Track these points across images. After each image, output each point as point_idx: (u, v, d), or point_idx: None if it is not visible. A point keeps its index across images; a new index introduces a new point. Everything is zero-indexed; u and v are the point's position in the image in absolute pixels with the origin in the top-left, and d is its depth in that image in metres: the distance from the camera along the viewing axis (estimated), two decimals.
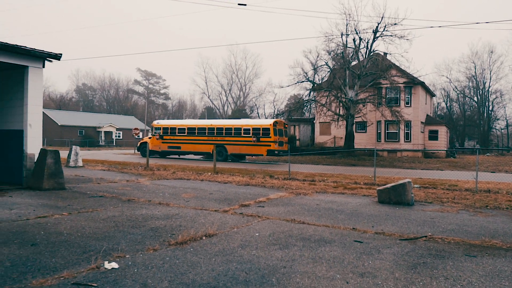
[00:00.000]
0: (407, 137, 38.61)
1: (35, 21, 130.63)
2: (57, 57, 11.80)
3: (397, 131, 38.54)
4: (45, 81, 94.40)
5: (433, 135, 41.36)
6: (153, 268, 4.60)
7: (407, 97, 38.59)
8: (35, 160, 11.36)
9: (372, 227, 7.24)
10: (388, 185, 10.45)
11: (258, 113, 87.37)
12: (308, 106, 41.45)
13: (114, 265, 4.61)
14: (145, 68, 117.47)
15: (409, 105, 38.57)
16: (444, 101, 76.14)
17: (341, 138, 39.36)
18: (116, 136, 72.39)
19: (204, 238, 6.10)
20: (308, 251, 5.49)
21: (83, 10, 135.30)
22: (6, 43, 10.64)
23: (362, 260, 5.15)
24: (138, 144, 34.24)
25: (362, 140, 39.79)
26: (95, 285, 4.02)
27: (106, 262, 4.68)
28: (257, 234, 6.49)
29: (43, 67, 11.78)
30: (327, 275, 4.52)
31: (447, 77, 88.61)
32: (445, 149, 41.26)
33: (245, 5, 21.31)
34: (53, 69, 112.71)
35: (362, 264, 4.98)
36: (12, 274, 4.29)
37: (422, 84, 39.78)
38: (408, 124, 38.10)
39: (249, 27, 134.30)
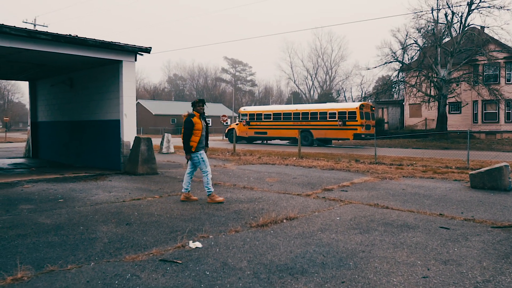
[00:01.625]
0: (508, 117, 35.54)
1: (128, 17, 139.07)
2: (147, 50, 12.53)
3: (497, 111, 35.61)
4: (140, 73, 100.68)
5: None
6: (233, 248, 4.81)
7: (508, 73, 35.41)
8: (131, 148, 12.24)
9: (461, 213, 6.87)
10: (482, 169, 9.79)
11: (345, 96, 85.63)
12: (397, 87, 39.93)
13: (198, 244, 4.89)
14: (231, 56, 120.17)
15: (510, 82, 35.40)
16: None
17: (433, 120, 37.33)
18: None
19: (284, 221, 6.22)
20: (389, 236, 5.38)
21: (170, 6, 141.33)
22: (103, 40, 11.52)
23: (446, 247, 4.94)
24: (226, 131, 35.29)
25: (456, 122, 37.39)
26: (180, 262, 4.31)
27: (190, 242, 4.98)
28: (338, 218, 6.47)
29: (135, 60, 12.59)
30: (407, 261, 4.41)
31: None
32: None
33: None
34: (146, 62, 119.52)
35: (446, 251, 4.78)
36: (109, 249, 4.74)
37: None
38: (509, 103, 35.03)
39: (334, 10, 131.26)
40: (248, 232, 5.54)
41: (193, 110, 7.80)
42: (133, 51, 12.35)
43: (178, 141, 36.85)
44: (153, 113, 68.23)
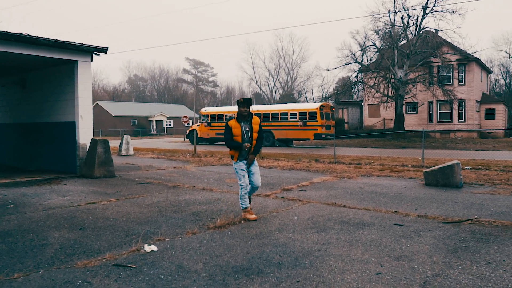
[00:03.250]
0: (461, 117, 36.99)
1: (85, 17, 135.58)
2: (104, 50, 12.23)
3: (450, 111, 36.99)
4: (99, 74, 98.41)
5: (490, 114, 39.38)
6: (190, 250, 4.75)
7: (460, 75, 36.86)
8: (87, 150, 11.91)
9: (415, 210, 7.07)
10: (435, 167, 10.12)
11: (306, 97, 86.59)
12: (356, 88, 40.65)
13: (154, 247, 4.80)
14: (193, 57, 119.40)
15: (463, 83, 36.84)
16: (502, 77, 72.05)
17: (391, 120, 38.35)
18: (167, 124, 74.31)
19: (242, 222, 6.20)
20: (345, 235, 5.46)
21: (129, 4, 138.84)
22: (57, 39, 11.16)
23: (400, 243, 5.06)
24: (187, 132, 34.97)
25: (412, 122, 38.56)
26: (134, 266, 4.21)
27: (146, 245, 4.88)
28: (295, 217, 6.52)
29: (91, 60, 12.26)
30: (361, 258, 4.48)
31: (506, 52, 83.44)
32: (504, 128, 39.23)
33: None
34: (106, 62, 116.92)
35: (399, 247, 4.89)
36: (60, 256, 4.58)
37: (477, 60, 37.84)
38: (462, 104, 36.46)
39: (295, 12, 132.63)
40: (205, 234, 5.49)
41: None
42: (89, 51, 12.03)
43: (137, 142, 36.23)
44: (113, 115, 66.75)
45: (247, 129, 6.41)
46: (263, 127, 6.82)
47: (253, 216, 6.43)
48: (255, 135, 6.54)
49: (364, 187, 9.77)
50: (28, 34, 10.60)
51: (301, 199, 8.19)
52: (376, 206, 7.47)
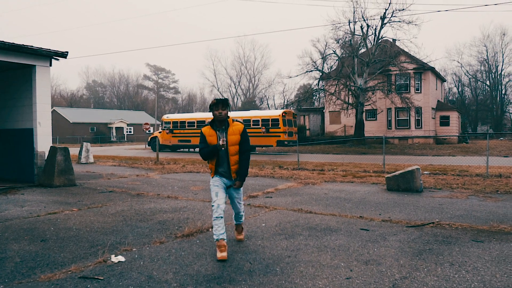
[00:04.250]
0: (418, 123, 38.27)
1: (43, 20, 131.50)
2: (64, 55, 11.89)
3: (408, 118, 38.21)
4: (56, 79, 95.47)
5: (445, 121, 40.94)
6: (159, 260, 4.66)
7: (417, 83, 38.21)
8: (45, 158, 11.50)
9: (379, 215, 7.23)
10: (397, 172, 10.40)
11: (268, 104, 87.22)
12: (317, 95, 41.28)
13: (121, 258, 4.68)
14: (154, 63, 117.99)
15: (419, 91, 38.18)
16: (455, 86, 75.23)
17: (351, 126, 39.18)
18: (127, 131, 72.91)
19: (210, 230, 6.14)
20: (314, 240, 5.51)
21: (90, 7, 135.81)
22: (13, 43, 10.75)
23: (367, 248, 5.15)
24: (149, 139, 34.44)
25: (372, 128, 39.56)
26: (101, 278, 4.08)
27: (113, 256, 4.75)
28: (263, 224, 6.52)
29: (50, 65, 11.88)
30: (331, 264, 4.53)
31: (458, 62, 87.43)
32: (457, 134, 40.89)
33: None
34: (63, 67, 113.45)
35: (367, 252, 4.98)
36: (21, 270, 4.38)
37: (432, 69, 39.33)
38: (418, 111, 37.77)
39: (257, 20, 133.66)
40: (174, 243, 5.41)
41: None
42: (48, 55, 11.65)
43: (97, 150, 35.36)
44: (71, 121, 64.87)
45: (224, 139, 4.91)
46: None
47: (221, 255, 4.67)
48: (232, 148, 4.99)
49: (329, 193, 9.90)
50: None
51: (268, 205, 8.20)
52: (341, 211, 7.59)
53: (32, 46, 11.21)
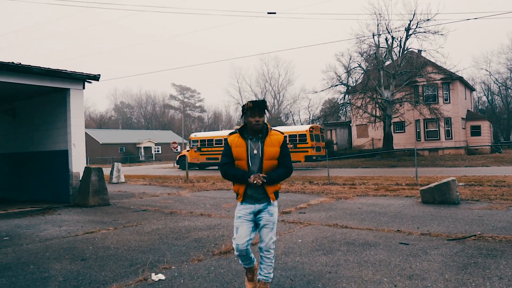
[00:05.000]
0: (448, 134, 37.48)
1: (72, 45, 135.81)
2: (96, 78, 12.22)
3: (437, 129, 37.48)
4: (85, 102, 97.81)
5: (476, 131, 39.99)
6: (199, 278, 4.65)
7: (445, 93, 37.54)
8: (80, 178, 11.75)
9: (417, 228, 7.06)
10: (431, 185, 10.18)
11: (293, 119, 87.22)
12: (344, 109, 40.99)
13: (161, 276, 4.70)
14: (179, 83, 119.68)
15: (448, 101, 37.49)
16: (485, 94, 73.59)
17: (379, 139, 38.67)
18: (155, 151, 73.96)
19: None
20: (353, 256, 5.41)
21: (116, 34, 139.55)
22: (48, 68, 11.12)
23: (409, 262, 5.03)
24: (177, 158, 34.84)
25: (401, 141, 38.95)
26: None
27: (153, 274, 4.77)
28: (300, 240, 6.45)
29: (83, 88, 12.22)
30: (373, 279, 4.43)
31: (487, 70, 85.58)
32: (490, 144, 39.76)
33: (275, 13, 21.42)
34: (92, 90, 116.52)
35: (409, 266, 4.86)
36: None
37: (460, 79, 38.61)
38: (448, 121, 37.02)
39: (280, 37, 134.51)
40: (212, 260, 5.40)
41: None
42: (81, 78, 12.00)
43: (127, 169, 35.92)
44: (100, 142, 66.33)
45: (256, 151, 3.80)
46: None
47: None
48: (267, 163, 3.81)
49: (362, 207, 9.75)
50: (20, 63, 10.55)
51: (302, 221, 8.13)
52: (377, 225, 7.45)
53: (66, 70, 11.57)
